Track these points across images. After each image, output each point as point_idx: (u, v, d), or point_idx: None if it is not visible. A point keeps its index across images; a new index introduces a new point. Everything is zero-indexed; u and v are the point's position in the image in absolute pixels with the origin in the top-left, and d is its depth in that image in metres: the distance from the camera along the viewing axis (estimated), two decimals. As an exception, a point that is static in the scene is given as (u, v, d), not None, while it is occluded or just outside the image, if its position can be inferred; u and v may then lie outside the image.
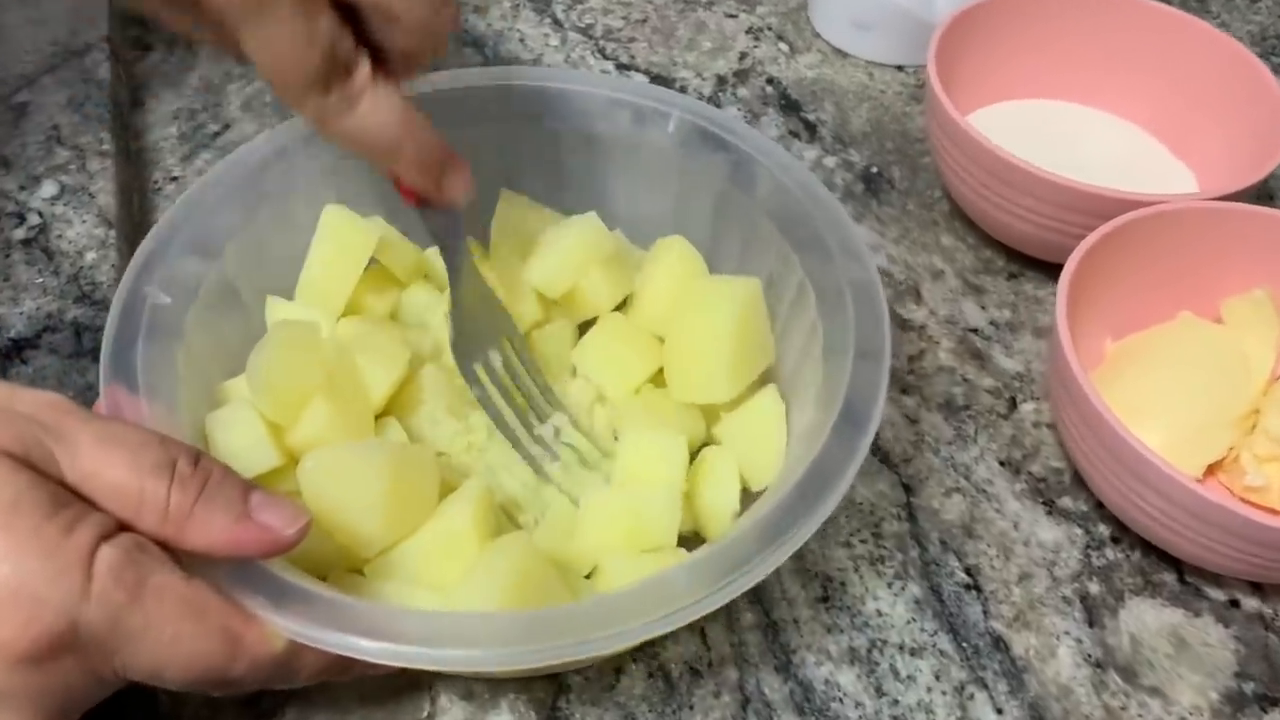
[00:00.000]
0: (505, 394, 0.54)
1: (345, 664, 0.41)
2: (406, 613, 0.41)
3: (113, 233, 0.64)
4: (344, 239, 0.54)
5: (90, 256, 0.63)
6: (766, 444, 0.54)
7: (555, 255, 0.58)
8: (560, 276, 0.58)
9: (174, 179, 0.72)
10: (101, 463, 0.39)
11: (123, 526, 0.39)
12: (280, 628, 0.40)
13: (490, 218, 0.60)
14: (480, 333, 0.55)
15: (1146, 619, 0.55)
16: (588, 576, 0.51)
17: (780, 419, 0.54)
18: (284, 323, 0.49)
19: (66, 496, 0.38)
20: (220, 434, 0.48)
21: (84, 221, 0.65)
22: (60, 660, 0.37)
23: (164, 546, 0.40)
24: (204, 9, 0.43)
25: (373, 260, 0.56)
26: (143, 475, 0.39)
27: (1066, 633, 0.54)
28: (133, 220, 0.68)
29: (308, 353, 0.48)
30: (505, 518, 0.53)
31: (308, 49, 0.44)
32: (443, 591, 0.46)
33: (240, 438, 0.48)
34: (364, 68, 0.46)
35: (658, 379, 0.58)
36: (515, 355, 0.56)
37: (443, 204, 0.52)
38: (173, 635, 0.39)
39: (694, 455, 0.55)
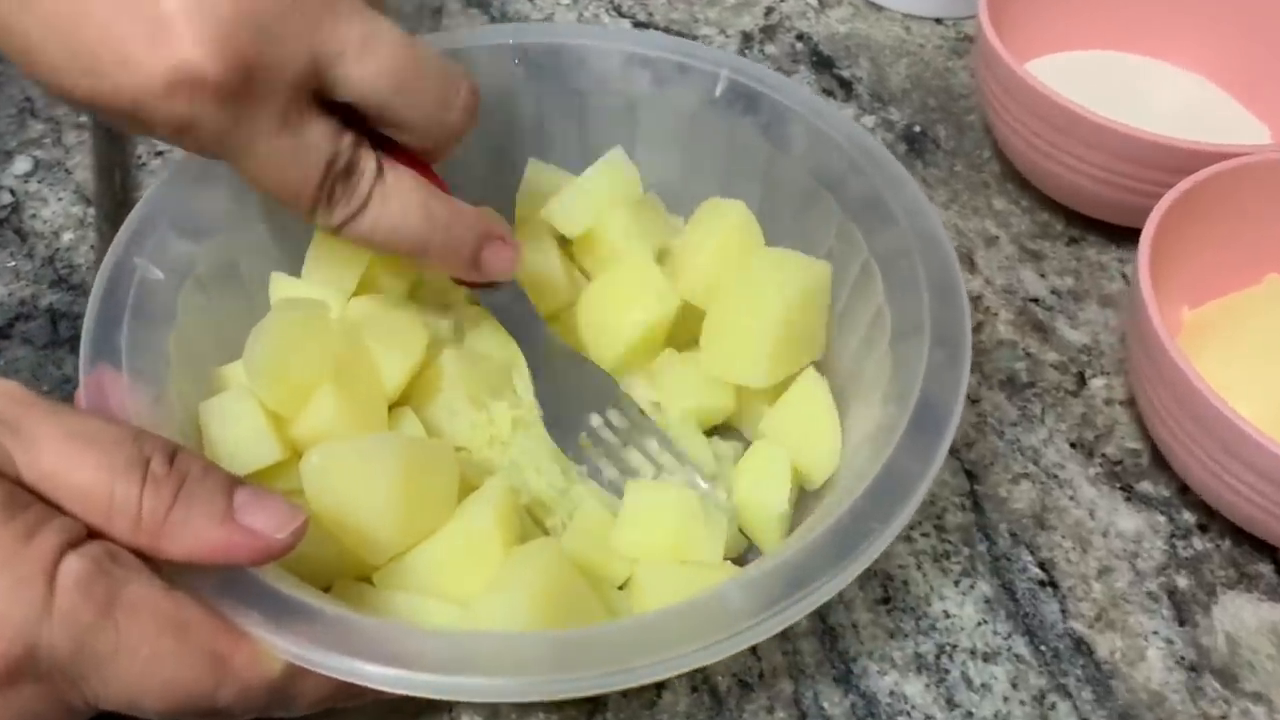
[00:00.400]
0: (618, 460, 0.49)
1: (352, 689, 0.36)
2: (422, 633, 0.36)
3: (92, 211, 0.59)
4: None
5: (67, 237, 0.58)
6: (820, 439, 0.48)
7: (575, 190, 0.52)
8: (579, 212, 0.52)
9: (159, 153, 0.66)
10: (66, 461, 0.34)
11: (91, 533, 0.34)
12: (276, 649, 0.35)
13: (517, 187, 0.55)
14: (573, 403, 0.50)
15: (1243, 616, 0.49)
16: (620, 588, 0.45)
17: (832, 411, 0.49)
18: (288, 301, 0.44)
19: (25, 498, 0.33)
20: (215, 425, 0.43)
21: (60, 199, 0.59)
22: (17, 688, 0.32)
23: (140, 555, 0.35)
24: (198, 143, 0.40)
25: None
26: (113, 476, 0.34)
27: (1155, 632, 0.48)
28: (114, 198, 0.63)
29: (314, 335, 0.43)
30: (531, 521, 0.47)
31: (302, 170, 0.40)
32: (462, 604, 0.41)
33: (238, 429, 0.43)
34: (368, 166, 0.42)
35: (681, 342, 0.52)
36: (621, 415, 0.50)
37: (491, 283, 0.48)
38: (149, 658, 0.34)
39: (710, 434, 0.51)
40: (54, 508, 0.34)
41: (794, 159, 0.52)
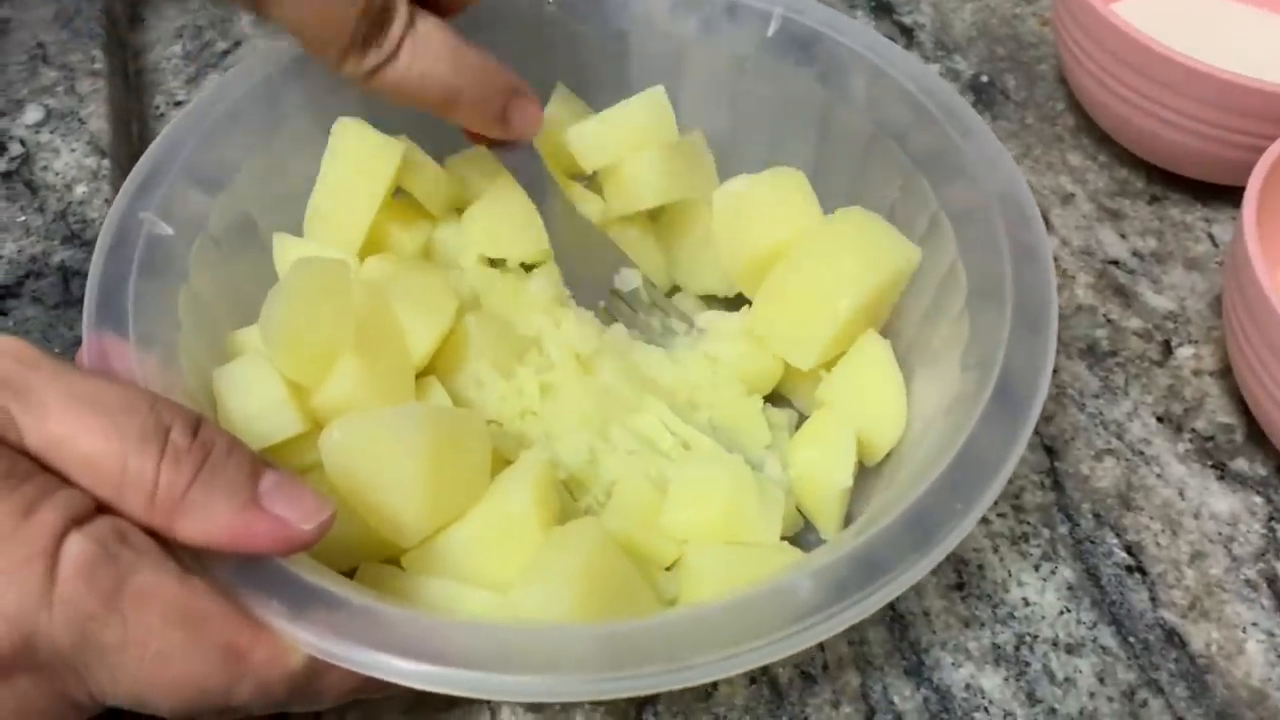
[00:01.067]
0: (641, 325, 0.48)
1: (381, 682, 0.32)
2: (459, 626, 0.32)
3: (106, 163, 0.55)
4: (360, 158, 0.45)
5: (80, 190, 0.54)
6: (883, 409, 0.44)
7: (601, 121, 0.49)
8: (600, 145, 0.48)
9: (178, 103, 0.63)
10: (74, 427, 0.31)
11: (99, 508, 0.31)
12: (298, 642, 0.32)
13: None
14: (592, 272, 0.49)
15: (1351, 607, 0.45)
16: (668, 569, 0.42)
17: (897, 378, 0.45)
18: (305, 261, 0.40)
19: (27, 467, 0.30)
20: (230, 393, 0.39)
21: (73, 150, 0.56)
22: (14, 681, 0.29)
23: (153, 534, 0.31)
24: None
25: (400, 192, 0.47)
26: (126, 445, 0.31)
27: (1254, 624, 0.44)
28: (129, 149, 0.59)
29: (335, 300, 0.39)
30: (569, 497, 0.44)
31: (344, 4, 0.39)
32: (498, 590, 0.37)
33: (255, 399, 0.39)
34: (401, 11, 0.40)
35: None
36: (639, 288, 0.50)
37: (514, 141, 0.46)
38: (159, 653, 0.30)
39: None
40: (60, 478, 0.31)
41: (853, 106, 0.48)
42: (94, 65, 0.60)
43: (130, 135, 0.60)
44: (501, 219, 0.49)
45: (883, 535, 0.34)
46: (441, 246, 0.49)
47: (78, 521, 0.30)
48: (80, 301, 0.49)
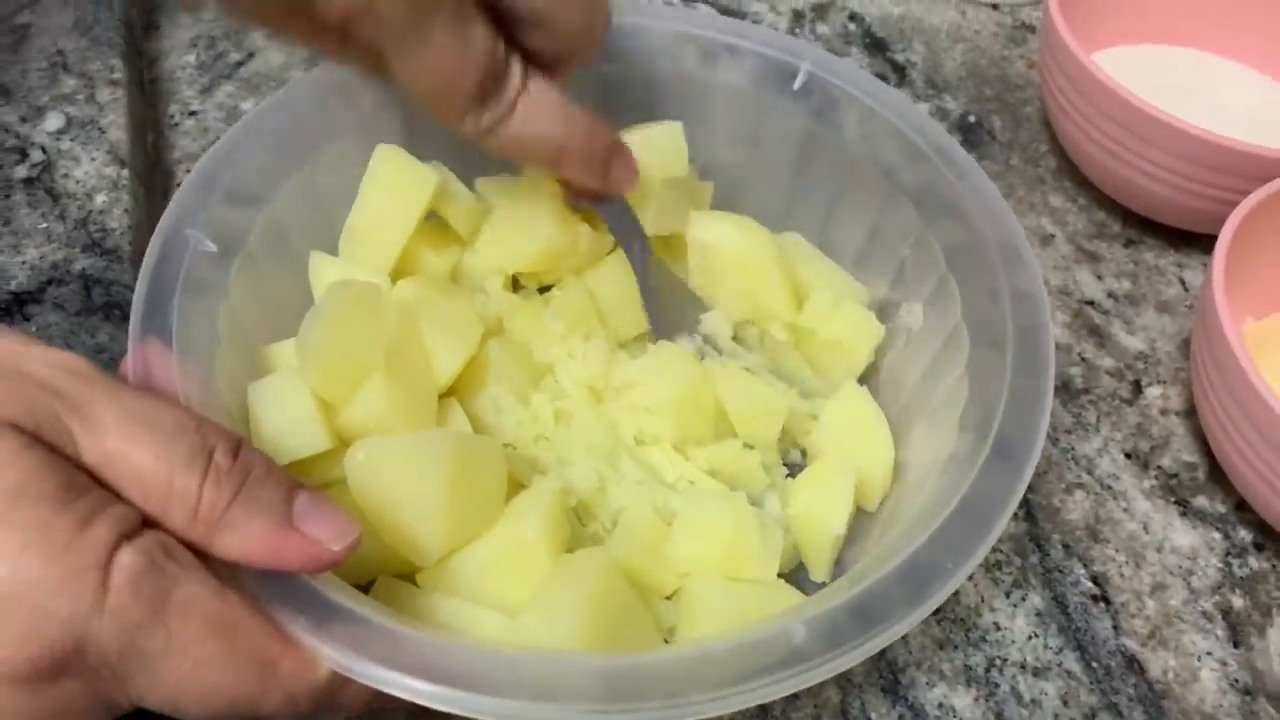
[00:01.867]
0: None
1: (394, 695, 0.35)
2: (472, 650, 0.34)
3: (125, 172, 0.57)
4: (397, 184, 0.47)
5: (100, 199, 0.56)
6: (874, 459, 0.47)
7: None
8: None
9: (192, 113, 0.64)
10: (128, 445, 0.32)
11: (145, 521, 0.33)
12: (324, 657, 0.34)
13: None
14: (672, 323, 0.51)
15: (1299, 639, 0.48)
16: (667, 597, 0.44)
17: (884, 429, 0.47)
18: (344, 284, 0.42)
19: (83, 482, 0.32)
20: (263, 408, 0.41)
21: (93, 159, 0.57)
22: (61, 683, 0.31)
23: (192, 548, 0.33)
24: (350, 35, 0.40)
25: (432, 214, 0.49)
26: (174, 464, 0.32)
27: (1209, 653, 0.47)
28: (146, 158, 0.61)
29: (368, 322, 0.41)
30: (579, 523, 0.46)
31: (465, 66, 0.41)
32: (508, 611, 0.39)
33: (285, 414, 0.41)
34: (515, 72, 0.43)
35: None
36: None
37: (611, 194, 0.49)
38: (197, 661, 0.32)
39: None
40: (112, 492, 0.32)
41: (873, 164, 0.50)
42: (113, 74, 0.61)
43: (146, 144, 0.62)
44: (517, 232, 0.51)
45: (876, 587, 0.36)
46: (469, 269, 0.51)
47: (128, 535, 0.32)
48: (101, 309, 0.52)
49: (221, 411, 0.40)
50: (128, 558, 0.31)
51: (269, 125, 0.47)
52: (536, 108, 0.43)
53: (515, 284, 0.52)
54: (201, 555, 0.34)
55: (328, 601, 0.34)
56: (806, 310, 0.50)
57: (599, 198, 0.50)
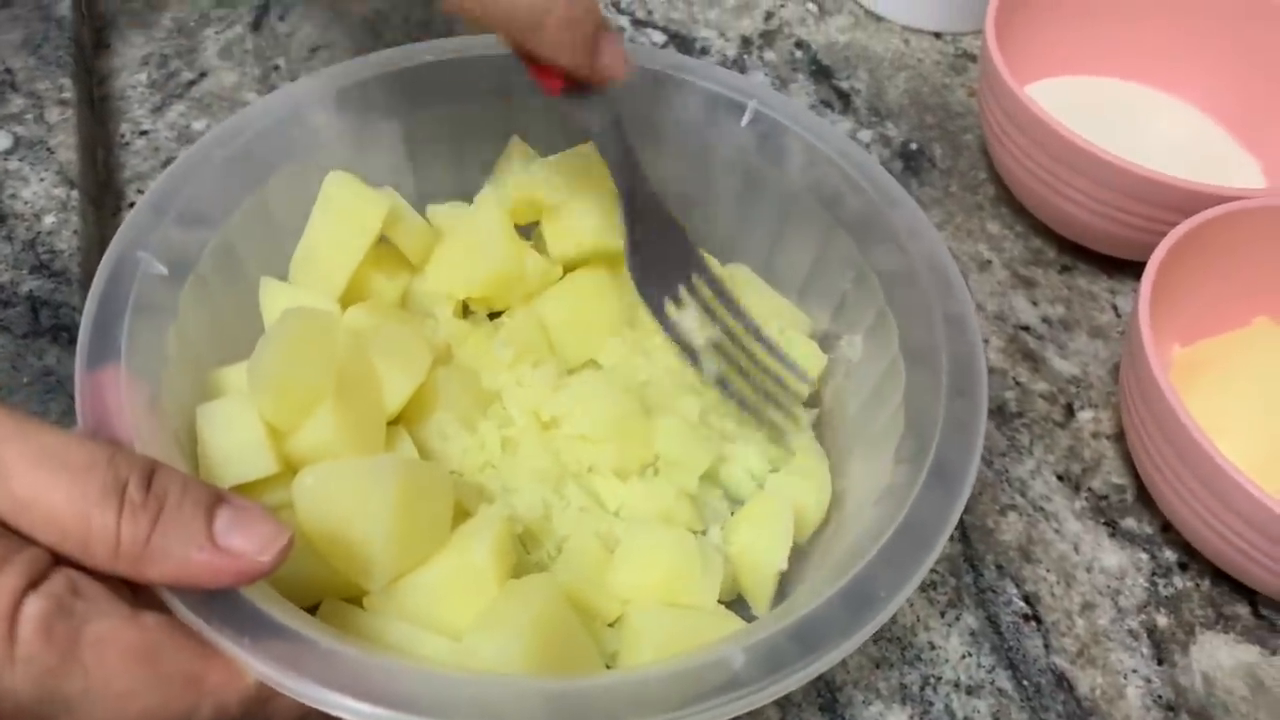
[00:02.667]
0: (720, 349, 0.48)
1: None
2: (410, 670, 0.35)
3: (75, 193, 0.57)
4: (348, 210, 0.48)
5: (49, 220, 0.56)
6: (813, 490, 0.48)
7: (561, 159, 0.51)
8: (555, 182, 0.51)
9: (143, 133, 0.64)
10: (38, 489, 0.32)
11: (56, 558, 0.33)
12: (260, 675, 0.34)
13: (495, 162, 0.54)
14: (665, 263, 0.47)
15: (1219, 656, 0.50)
16: (610, 625, 0.45)
17: (823, 461, 0.49)
18: (296, 312, 0.42)
19: None
20: (211, 431, 0.42)
21: (42, 180, 0.57)
22: None
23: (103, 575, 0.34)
24: None
25: (383, 239, 0.50)
26: (89, 503, 0.33)
27: (1134, 670, 0.49)
28: (97, 178, 0.61)
29: (320, 349, 0.42)
30: (524, 549, 0.47)
31: None
32: (453, 635, 0.40)
33: (234, 439, 0.42)
34: None
35: None
36: (708, 291, 0.48)
37: (600, 82, 0.43)
38: (122, 693, 0.32)
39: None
40: (24, 539, 0.33)
41: (809, 192, 0.51)
42: (63, 94, 0.61)
43: (96, 164, 0.62)
44: (467, 258, 0.51)
45: (815, 614, 0.37)
46: (418, 295, 0.52)
47: (35, 582, 0.32)
48: (49, 332, 0.52)
49: (170, 434, 0.40)
50: (34, 605, 0.31)
51: (223, 148, 0.48)
52: None
53: (465, 310, 0.53)
54: (111, 581, 0.34)
55: (258, 614, 0.35)
56: None
57: (583, 89, 0.43)
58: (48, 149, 0.58)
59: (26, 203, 0.56)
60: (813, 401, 0.52)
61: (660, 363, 0.52)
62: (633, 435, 0.48)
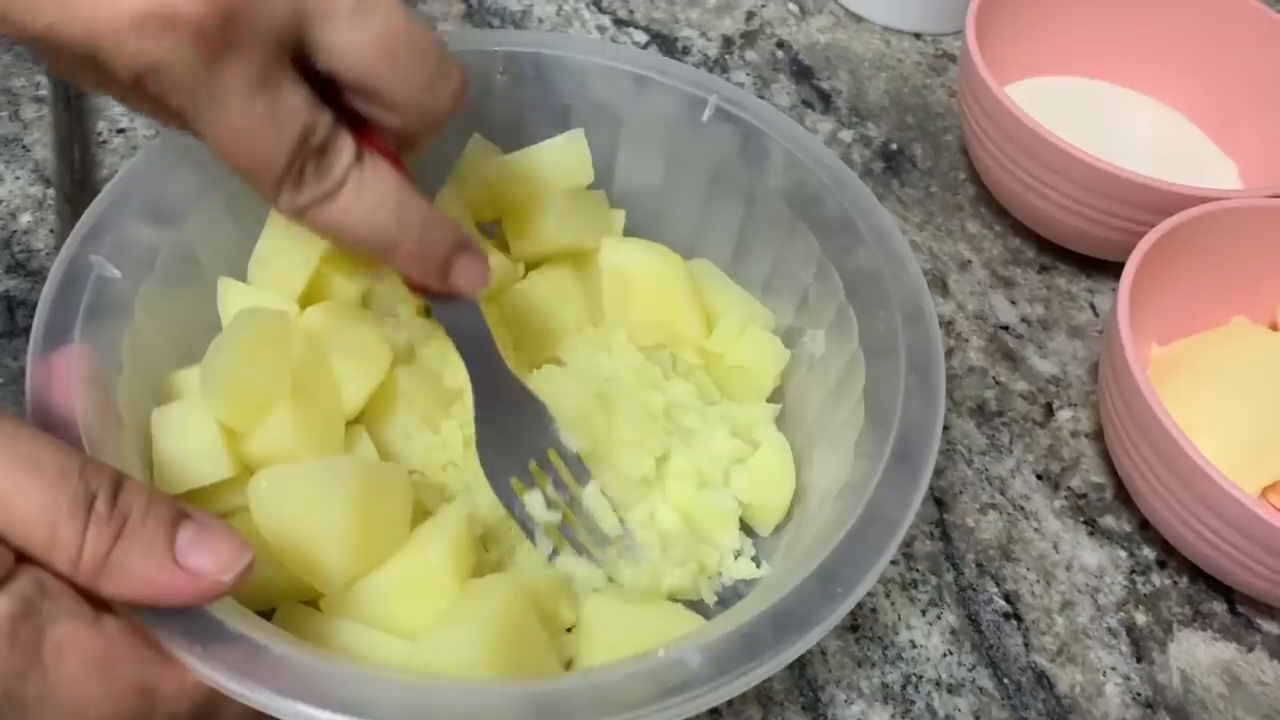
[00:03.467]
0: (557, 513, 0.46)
1: None
2: (361, 675, 0.35)
3: (51, 192, 0.56)
4: None
5: (25, 219, 0.55)
6: (777, 485, 0.49)
7: (523, 156, 0.51)
8: (518, 179, 0.50)
9: (120, 131, 0.64)
10: (12, 491, 0.32)
11: (19, 556, 0.33)
12: (201, 675, 0.34)
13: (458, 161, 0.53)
14: (515, 444, 0.46)
15: (1197, 654, 0.50)
16: (569, 630, 0.45)
17: (787, 454, 0.50)
18: (250, 313, 0.42)
19: None
20: (167, 435, 0.42)
21: (17, 178, 0.57)
22: None
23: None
24: (155, 100, 0.36)
25: None
26: (59, 513, 0.32)
27: (1113, 668, 0.49)
28: (73, 177, 0.60)
29: (274, 349, 0.42)
30: (482, 549, 0.46)
31: (273, 135, 0.36)
32: (411, 636, 0.40)
33: (190, 442, 0.41)
34: (345, 150, 0.38)
35: None
36: (562, 468, 0.47)
37: (454, 297, 0.44)
38: (76, 704, 0.32)
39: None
40: None
41: (774, 189, 0.51)
42: (38, 91, 0.61)
43: (73, 162, 0.61)
44: None
45: (767, 615, 0.37)
46: (379, 295, 0.51)
47: (2, 581, 0.32)
48: (25, 332, 0.51)
49: (122, 439, 0.40)
50: (3, 605, 0.31)
51: (181, 147, 0.47)
52: (369, 192, 0.39)
53: (428, 311, 0.53)
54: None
55: (209, 619, 0.35)
56: (715, 335, 0.52)
57: (441, 296, 0.44)
58: (23, 147, 0.58)
59: (1, 201, 0.56)
60: (775, 397, 0.52)
61: (622, 359, 0.51)
62: (594, 429, 0.48)
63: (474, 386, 0.46)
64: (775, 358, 0.51)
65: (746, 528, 0.49)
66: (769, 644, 0.36)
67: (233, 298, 0.48)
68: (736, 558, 0.48)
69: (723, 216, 0.54)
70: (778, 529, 0.49)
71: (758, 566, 0.48)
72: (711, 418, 0.51)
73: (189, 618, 0.35)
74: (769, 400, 0.52)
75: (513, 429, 0.46)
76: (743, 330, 0.52)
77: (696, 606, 0.45)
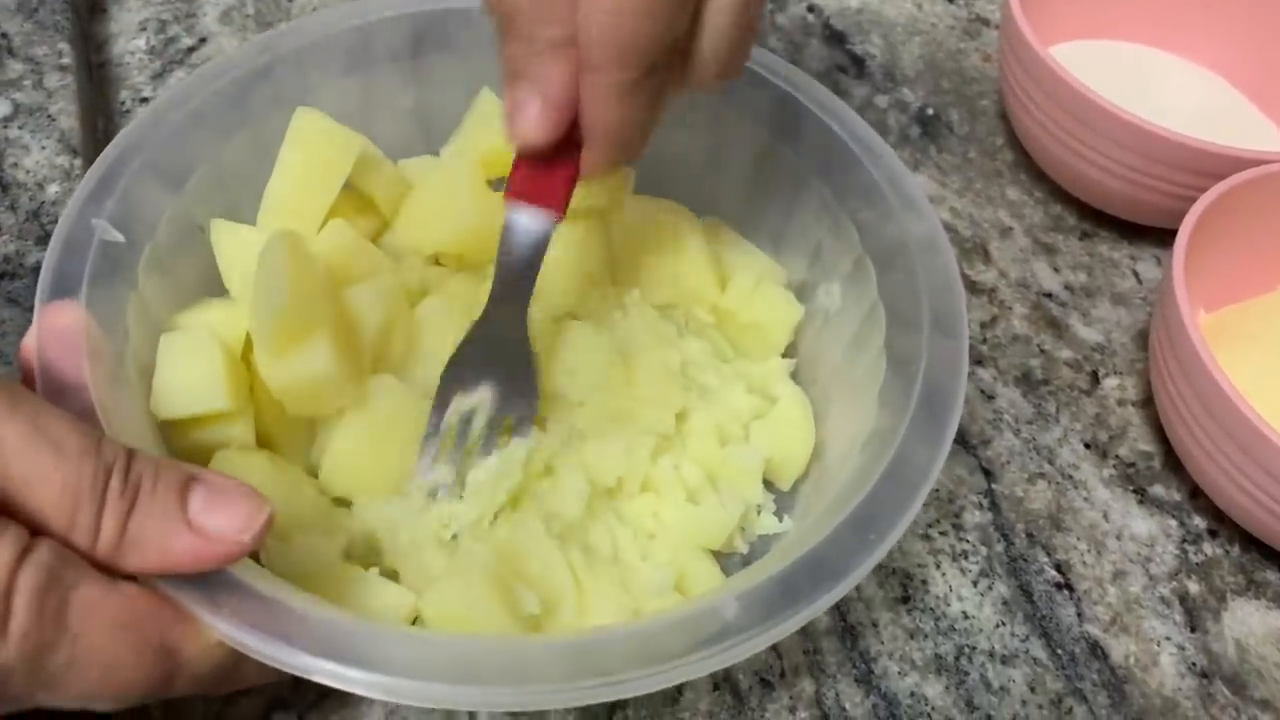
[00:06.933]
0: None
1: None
2: (391, 634, 0.34)
3: (78, 161, 0.55)
4: (318, 147, 0.46)
5: (53, 190, 0.54)
6: (796, 439, 0.48)
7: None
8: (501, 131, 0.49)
9: (144, 99, 0.63)
10: (33, 469, 0.32)
11: (34, 530, 0.32)
12: (222, 635, 0.34)
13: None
14: (482, 378, 0.45)
15: (1252, 623, 0.50)
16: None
17: (807, 408, 0.49)
18: (284, 235, 0.41)
19: None
20: (170, 360, 0.41)
21: (43, 148, 0.56)
22: None
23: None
24: None
25: (350, 188, 0.49)
26: (80, 494, 0.32)
27: (1168, 638, 0.49)
28: (97, 147, 0.59)
29: (311, 272, 0.42)
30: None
31: None
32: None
33: (192, 370, 0.41)
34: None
35: None
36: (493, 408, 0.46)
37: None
38: (105, 667, 0.32)
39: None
40: (11, 510, 0.32)
41: (790, 147, 0.50)
42: (61, 59, 0.59)
43: (96, 131, 0.60)
44: (437, 212, 0.50)
45: (803, 563, 0.37)
46: (388, 248, 0.50)
47: (25, 553, 0.31)
48: (58, 304, 0.50)
49: (133, 407, 0.40)
50: (29, 576, 0.31)
51: (181, 110, 0.46)
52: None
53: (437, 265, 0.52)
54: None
55: (228, 579, 0.34)
56: (728, 292, 0.51)
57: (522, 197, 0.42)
58: (49, 116, 0.57)
59: (29, 171, 0.54)
60: (789, 352, 0.52)
61: (638, 317, 0.50)
62: (614, 384, 0.47)
63: (491, 303, 0.44)
64: (789, 313, 0.51)
65: (766, 483, 0.49)
66: (805, 591, 0.36)
67: (229, 239, 0.46)
68: (759, 512, 0.48)
69: (731, 172, 0.52)
70: (796, 484, 0.48)
71: (780, 521, 0.48)
72: (727, 375, 0.50)
73: (208, 577, 0.34)
74: (783, 356, 0.51)
75: (493, 360, 0.45)
76: (756, 286, 0.51)
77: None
